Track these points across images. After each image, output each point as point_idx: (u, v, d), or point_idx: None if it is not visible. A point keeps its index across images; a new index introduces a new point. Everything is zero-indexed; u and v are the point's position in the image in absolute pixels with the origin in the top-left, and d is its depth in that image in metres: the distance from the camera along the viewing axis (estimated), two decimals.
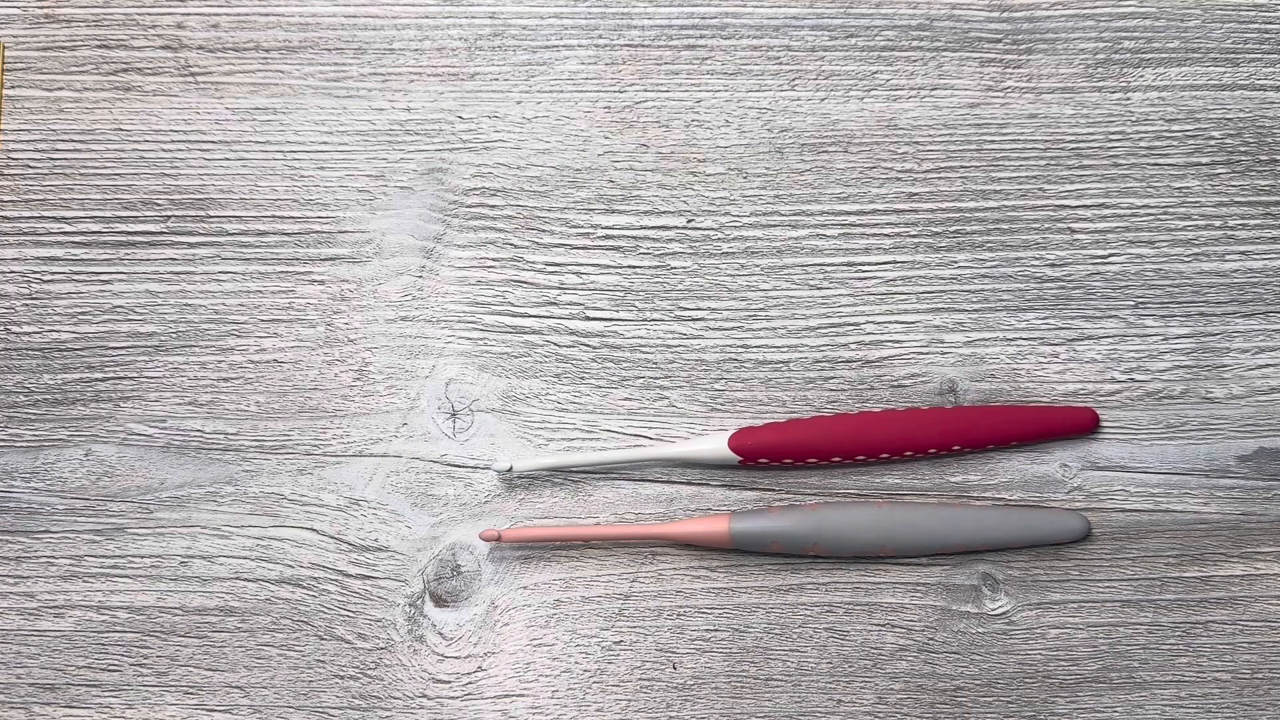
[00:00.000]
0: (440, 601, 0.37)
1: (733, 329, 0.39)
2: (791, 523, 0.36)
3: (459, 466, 0.38)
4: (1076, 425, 0.38)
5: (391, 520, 0.38)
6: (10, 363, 0.39)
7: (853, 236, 0.40)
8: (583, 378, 0.39)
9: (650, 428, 0.38)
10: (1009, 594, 0.37)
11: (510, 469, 0.37)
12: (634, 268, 0.40)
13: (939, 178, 0.41)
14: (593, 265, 0.40)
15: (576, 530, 0.37)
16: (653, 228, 0.40)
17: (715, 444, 0.37)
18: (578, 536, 0.37)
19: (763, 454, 0.37)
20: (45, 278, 0.40)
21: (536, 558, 0.37)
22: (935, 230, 0.40)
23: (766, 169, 0.41)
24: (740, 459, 0.37)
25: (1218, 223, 0.40)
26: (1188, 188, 0.41)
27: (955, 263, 0.40)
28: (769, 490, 0.38)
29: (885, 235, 0.40)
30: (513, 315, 0.39)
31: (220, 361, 0.39)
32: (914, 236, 0.40)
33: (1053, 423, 0.38)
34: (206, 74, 0.41)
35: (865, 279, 0.40)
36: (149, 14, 0.42)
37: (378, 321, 0.39)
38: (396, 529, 0.38)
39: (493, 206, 0.40)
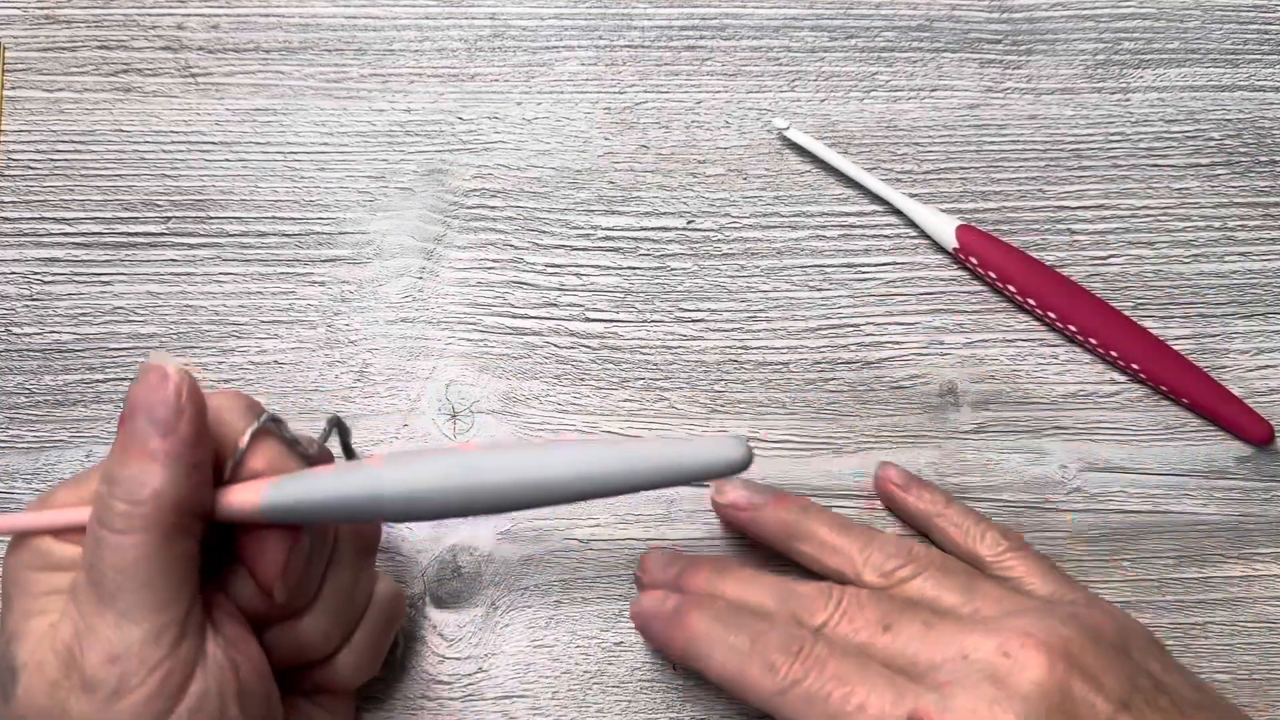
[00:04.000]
0: (441, 603, 0.37)
1: (732, 330, 0.39)
2: (342, 486, 0.28)
3: None
4: (1251, 428, 0.38)
5: None
6: (11, 364, 0.39)
7: (852, 238, 0.40)
8: (583, 379, 0.39)
9: (650, 429, 0.38)
10: None
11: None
12: (634, 269, 0.40)
13: (939, 179, 0.41)
14: (593, 266, 0.40)
15: None
16: (653, 229, 0.40)
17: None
18: None
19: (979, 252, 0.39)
20: (46, 279, 0.40)
21: (537, 559, 0.37)
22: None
23: (766, 170, 0.41)
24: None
25: (1217, 224, 0.40)
26: (1187, 189, 0.41)
27: (955, 264, 0.40)
28: None
29: (885, 236, 0.40)
30: (513, 317, 0.39)
31: (221, 363, 0.39)
32: (913, 238, 0.40)
33: (1233, 409, 0.38)
34: (207, 75, 0.41)
35: (865, 280, 0.40)
36: (149, 15, 0.42)
37: (378, 323, 0.39)
38: (397, 530, 0.38)
39: (493, 208, 0.40)
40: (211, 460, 0.28)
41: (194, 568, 0.27)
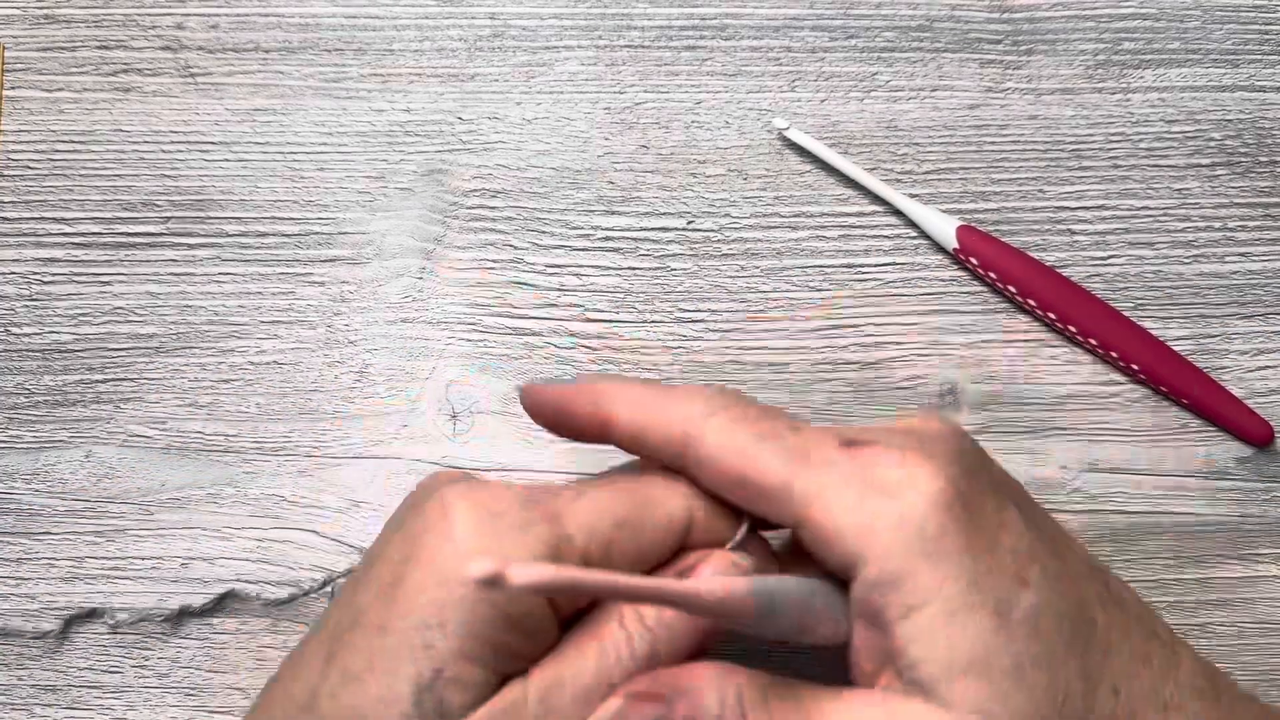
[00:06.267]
0: None
1: (732, 330, 0.39)
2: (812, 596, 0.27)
3: (459, 468, 0.38)
4: (1251, 429, 0.38)
5: None
6: (10, 364, 0.39)
7: (852, 238, 0.40)
8: None
9: None
10: None
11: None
12: (634, 269, 0.40)
13: (939, 179, 0.41)
14: (592, 267, 0.40)
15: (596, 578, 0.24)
16: (653, 229, 0.40)
17: None
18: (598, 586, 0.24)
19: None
20: (45, 279, 0.40)
21: None
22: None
23: (766, 170, 0.41)
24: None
25: (1217, 224, 0.40)
26: (1188, 189, 0.41)
27: (955, 264, 0.40)
28: None
29: (885, 237, 0.40)
30: (513, 317, 0.39)
31: (220, 363, 0.39)
32: (914, 238, 0.40)
33: (1233, 410, 0.38)
34: (206, 75, 0.41)
35: (865, 280, 0.40)
36: (149, 14, 0.42)
37: (378, 323, 0.39)
38: None
39: (493, 208, 0.40)
40: None
41: None
